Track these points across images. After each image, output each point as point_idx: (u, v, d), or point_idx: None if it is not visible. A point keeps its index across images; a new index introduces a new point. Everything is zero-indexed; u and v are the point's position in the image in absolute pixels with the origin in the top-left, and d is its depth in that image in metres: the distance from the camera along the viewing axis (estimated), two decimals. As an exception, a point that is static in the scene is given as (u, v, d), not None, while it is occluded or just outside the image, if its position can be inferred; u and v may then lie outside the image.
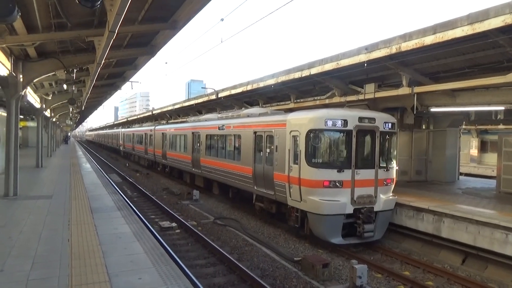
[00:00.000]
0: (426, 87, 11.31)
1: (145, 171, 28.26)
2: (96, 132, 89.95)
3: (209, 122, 17.58)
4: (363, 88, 13.08)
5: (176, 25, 8.91)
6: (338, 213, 9.69)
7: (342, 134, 10.17)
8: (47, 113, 23.80)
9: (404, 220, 10.65)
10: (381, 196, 10.31)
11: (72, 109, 29.27)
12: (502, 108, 13.25)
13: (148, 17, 8.71)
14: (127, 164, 33.73)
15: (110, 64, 13.72)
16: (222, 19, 10.95)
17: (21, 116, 30.39)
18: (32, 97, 16.96)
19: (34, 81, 12.53)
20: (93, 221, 8.25)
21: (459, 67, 10.81)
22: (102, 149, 63.23)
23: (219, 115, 17.97)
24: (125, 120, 61.13)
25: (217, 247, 9.40)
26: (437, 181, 15.54)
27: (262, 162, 12.20)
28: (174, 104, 30.95)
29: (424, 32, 8.97)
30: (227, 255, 8.85)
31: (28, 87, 13.54)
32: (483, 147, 33.44)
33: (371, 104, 13.22)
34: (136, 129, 35.63)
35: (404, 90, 11.56)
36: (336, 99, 14.04)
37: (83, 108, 29.20)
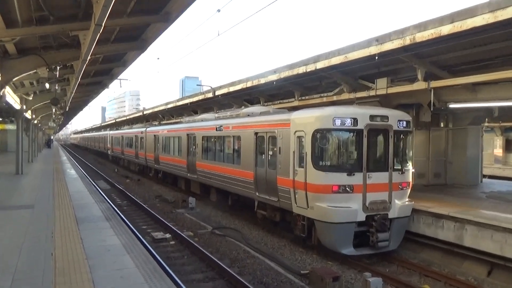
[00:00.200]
0: (444, 81, 11.30)
1: (135, 177, 28.24)
2: (81, 135, 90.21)
3: (206, 123, 17.60)
4: (374, 83, 13.08)
5: (169, 17, 8.94)
6: (349, 221, 9.68)
7: (352, 134, 10.17)
8: (28, 114, 23.88)
9: (422, 228, 10.63)
10: (396, 201, 10.29)
11: (55, 110, 29.36)
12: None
13: (138, 9, 8.74)
14: (116, 170, 33.74)
15: (96, 61, 13.78)
16: (218, 10, 11.00)
17: None
18: (11, 97, 17.03)
19: (14, 80, 12.59)
20: (79, 233, 8.25)
21: (480, 58, 10.81)
22: (89, 153, 63.30)
23: (217, 115, 18.00)
24: (113, 121, 61.27)
25: (216, 260, 9.39)
26: (458, 184, 15.51)
27: (264, 165, 12.21)
28: (167, 104, 30.99)
29: (440, 21, 8.98)
30: (227, 268, 8.84)
31: (7, 87, 13.59)
32: (508, 147, 33.31)
33: (384, 101, 13.22)
34: (125, 131, 35.68)
35: (419, 85, 11.56)
36: (345, 96, 14.04)
37: (67, 109, 29.28)
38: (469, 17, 8.35)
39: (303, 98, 16.48)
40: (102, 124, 79.33)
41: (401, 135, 10.72)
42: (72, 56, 11.62)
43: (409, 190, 10.81)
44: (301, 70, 13.66)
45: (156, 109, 34.73)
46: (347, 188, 9.77)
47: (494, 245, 8.96)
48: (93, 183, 21.47)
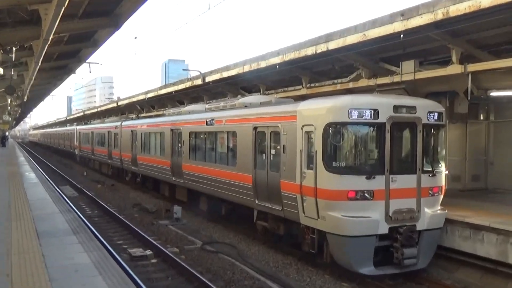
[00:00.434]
0: (484, 64, 11.31)
1: (109, 181, 28.22)
2: (43, 131, 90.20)
3: (194, 116, 17.61)
4: (398, 67, 13.09)
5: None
6: (369, 234, 9.69)
7: (372, 128, 10.17)
8: (-23, 106, 23.85)
9: (457, 241, 10.65)
10: (426, 210, 10.30)
11: (11, 101, 29.32)
12: None
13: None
14: (85, 173, 33.75)
15: (60, 40, 13.76)
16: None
17: None
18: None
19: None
20: (41, 249, 8.24)
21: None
22: (51, 153, 63.24)
23: (207, 106, 18.01)
24: (82, 114, 61.27)
25: (207, 282, 9.38)
26: (502, 189, 15.52)
27: (265, 167, 12.21)
28: (146, 92, 31.01)
29: (480, -10, 8.97)
30: (220, 292, 8.86)
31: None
32: None
33: (410, 88, 13.23)
34: (96, 126, 35.68)
35: (454, 69, 11.56)
36: (363, 82, 14.04)
37: (25, 99, 29.29)
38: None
39: (312, 85, 16.49)
40: (67, 118, 79.39)
41: (432, 130, 10.72)
42: (31, 35, 11.60)
43: (441, 196, 10.83)
44: (310, 51, 13.66)
45: (133, 99, 34.75)
46: (366, 194, 9.77)
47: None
48: (58, 189, 21.41)
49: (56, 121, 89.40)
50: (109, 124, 30.91)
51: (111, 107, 43.49)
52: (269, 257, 11.94)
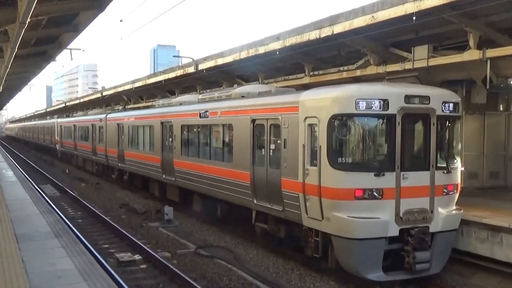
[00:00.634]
0: (505, 49, 11.31)
1: (93, 179, 28.26)
2: (20, 125, 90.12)
3: (186, 107, 17.60)
4: (411, 53, 13.09)
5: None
6: (377, 237, 9.72)
7: (381, 120, 10.18)
8: None
9: (474, 244, 10.69)
10: (440, 210, 10.34)
11: (-15, 91, 29.24)
12: None
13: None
14: (67, 171, 33.76)
15: (39, 24, 13.71)
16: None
17: None
18: None
19: None
20: (20, 254, 8.27)
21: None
22: (30, 148, 63.19)
23: (201, 97, 17.99)
24: (63, 105, 61.15)
25: (201, 289, 9.46)
26: (522, 187, 15.60)
27: (264, 163, 12.24)
28: (134, 82, 30.96)
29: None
30: (216, 300, 8.92)
31: None
32: None
33: (424, 76, 13.23)
34: (79, 118, 35.66)
35: (471, 54, 11.56)
36: (372, 70, 14.05)
37: (0, 89, 29.21)
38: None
39: (316, 73, 16.48)
40: (47, 110, 79.16)
41: (447, 122, 10.75)
42: (6, 19, 11.54)
43: (457, 195, 10.87)
44: (313, 35, 13.64)
45: (119, 89, 34.67)
46: (375, 193, 9.79)
47: None
48: (38, 188, 21.46)
49: (35, 113, 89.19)
50: (93, 117, 30.87)
51: (95, 97, 43.37)
52: (269, 262, 11.99)
